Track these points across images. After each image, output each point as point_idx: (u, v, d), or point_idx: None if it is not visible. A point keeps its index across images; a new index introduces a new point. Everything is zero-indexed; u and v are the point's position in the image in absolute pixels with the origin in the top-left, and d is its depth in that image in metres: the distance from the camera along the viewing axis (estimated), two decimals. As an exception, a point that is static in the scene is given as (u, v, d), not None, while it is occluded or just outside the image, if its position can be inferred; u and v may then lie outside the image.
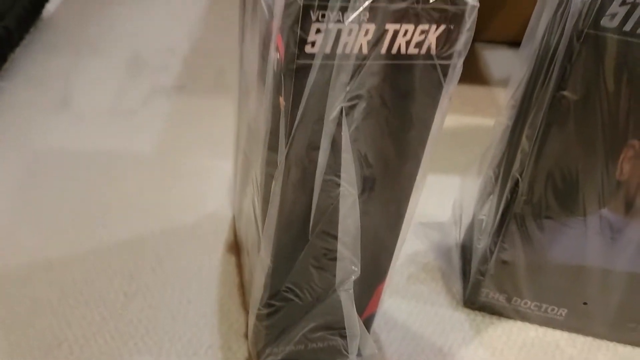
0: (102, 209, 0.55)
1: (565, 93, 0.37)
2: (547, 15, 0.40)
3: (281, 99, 0.31)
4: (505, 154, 0.44)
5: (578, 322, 0.48)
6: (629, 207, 0.41)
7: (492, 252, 0.46)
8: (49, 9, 0.86)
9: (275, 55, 0.30)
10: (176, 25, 0.86)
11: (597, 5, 0.34)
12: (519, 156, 0.42)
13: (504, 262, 0.46)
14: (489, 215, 0.47)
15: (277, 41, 0.30)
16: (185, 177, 0.60)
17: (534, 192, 0.42)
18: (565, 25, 0.37)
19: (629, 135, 0.38)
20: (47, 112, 0.67)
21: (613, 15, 0.34)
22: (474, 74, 0.83)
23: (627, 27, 0.34)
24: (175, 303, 0.48)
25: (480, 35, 0.89)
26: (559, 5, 0.38)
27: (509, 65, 0.83)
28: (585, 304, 0.47)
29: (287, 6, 0.27)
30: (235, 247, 0.52)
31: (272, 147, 0.33)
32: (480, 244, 0.48)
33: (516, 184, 0.42)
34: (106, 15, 0.87)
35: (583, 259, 0.45)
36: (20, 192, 0.56)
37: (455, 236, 0.56)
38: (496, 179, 0.46)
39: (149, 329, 0.46)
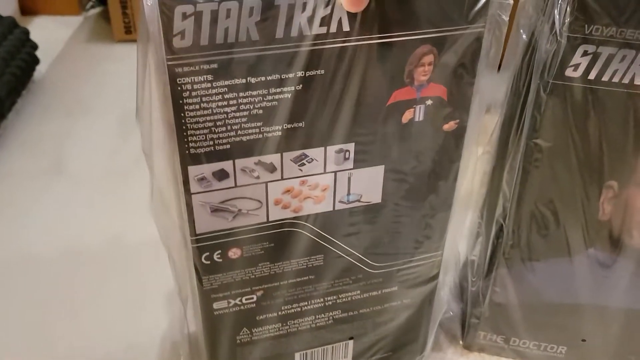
0: (99, 274, 0.56)
1: (537, 141, 0.38)
2: (515, 62, 0.40)
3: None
4: (487, 198, 0.45)
5: (578, 358, 0.48)
6: (615, 245, 0.41)
7: (484, 296, 0.46)
8: (41, 69, 0.87)
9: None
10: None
11: (560, 57, 0.35)
12: (500, 201, 0.42)
13: (498, 304, 0.46)
14: (479, 257, 0.47)
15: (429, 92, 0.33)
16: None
17: (520, 236, 0.42)
18: (531, 74, 0.37)
19: (605, 177, 0.38)
20: (41, 178, 0.68)
21: (577, 66, 0.35)
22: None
23: (591, 76, 0.35)
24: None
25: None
26: (525, 53, 0.38)
27: (496, 91, 0.84)
28: (584, 340, 0.47)
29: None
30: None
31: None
32: (473, 287, 0.48)
33: (500, 228, 0.43)
34: (96, 73, 0.88)
35: (577, 297, 0.45)
36: (20, 258, 0.57)
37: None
38: (482, 221, 0.46)
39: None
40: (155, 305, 0.52)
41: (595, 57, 0.34)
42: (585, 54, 0.34)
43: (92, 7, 1.06)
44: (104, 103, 0.81)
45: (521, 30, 0.39)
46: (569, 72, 0.35)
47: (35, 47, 0.83)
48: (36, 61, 0.83)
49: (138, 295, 0.54)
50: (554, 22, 0.34)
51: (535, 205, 0.40)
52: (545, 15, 0.35)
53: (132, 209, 0.63)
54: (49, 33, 0.97)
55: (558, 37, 0.34)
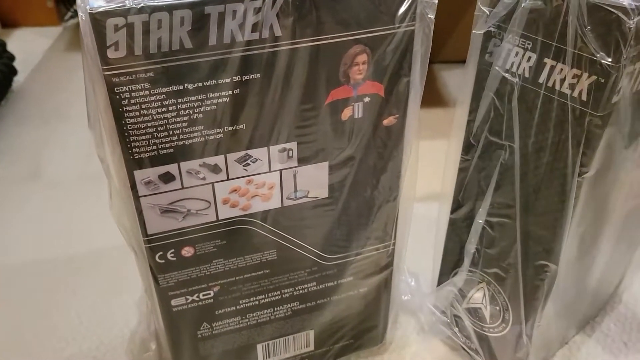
0: (73, 276, 0.58)
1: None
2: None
3: None
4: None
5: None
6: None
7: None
8: (19, 79, 0.89)
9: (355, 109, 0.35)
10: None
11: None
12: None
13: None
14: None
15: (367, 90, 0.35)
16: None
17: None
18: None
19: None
20: (20, 184, 0.70)
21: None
22: (431, 96, 0.85)
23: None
24: (144, 362, 0.50)
25: (436, 57, 0.91)
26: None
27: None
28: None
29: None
30: None
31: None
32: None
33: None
34: (73, 81, 0.90)
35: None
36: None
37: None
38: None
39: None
40: (127, 305, 0.54)
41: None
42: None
43: (72, 17, 1.08)
44: (81, 110, 0.82)
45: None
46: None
47: (12, 58, 0.85)
48: (13, 72, 0.85)
49: (110, 295, 0.56)
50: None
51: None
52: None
53: (105, 213, 0.65)
54: (28, 44, 0.99)
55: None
